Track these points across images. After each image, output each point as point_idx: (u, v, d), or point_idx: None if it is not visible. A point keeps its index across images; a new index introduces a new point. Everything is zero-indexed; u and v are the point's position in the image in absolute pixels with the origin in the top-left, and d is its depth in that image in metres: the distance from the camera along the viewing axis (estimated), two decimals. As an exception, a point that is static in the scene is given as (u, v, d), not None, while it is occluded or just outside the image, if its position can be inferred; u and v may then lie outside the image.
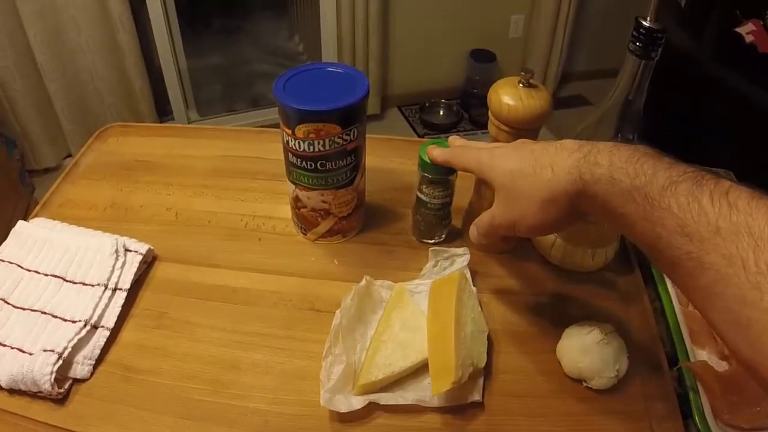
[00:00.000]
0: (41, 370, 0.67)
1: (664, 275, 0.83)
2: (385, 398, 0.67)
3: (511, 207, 0.63)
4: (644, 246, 0.52)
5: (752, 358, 0.41)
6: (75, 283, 0.78)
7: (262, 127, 1.14)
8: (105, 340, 0.74)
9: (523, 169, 0.61)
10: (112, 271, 0.79)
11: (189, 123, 3.08)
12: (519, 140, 0.68)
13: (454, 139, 0.78)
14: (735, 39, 1.31)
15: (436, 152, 0.76)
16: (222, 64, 3.69)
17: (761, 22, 1.26)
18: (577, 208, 0.58)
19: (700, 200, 0.45)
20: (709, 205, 0.45)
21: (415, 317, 0.74)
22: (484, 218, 0.68)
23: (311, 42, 3.34)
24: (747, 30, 1.28)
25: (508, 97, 0.73)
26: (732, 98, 1.37)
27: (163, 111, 3.06)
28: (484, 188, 0.82)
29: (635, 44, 0.63)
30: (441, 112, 3.49)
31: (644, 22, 0.62)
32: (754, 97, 1.30)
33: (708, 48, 1.46)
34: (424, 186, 0.82)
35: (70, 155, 2.88)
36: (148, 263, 0.85)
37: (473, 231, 0.71)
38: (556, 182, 0.57)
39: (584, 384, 0.70)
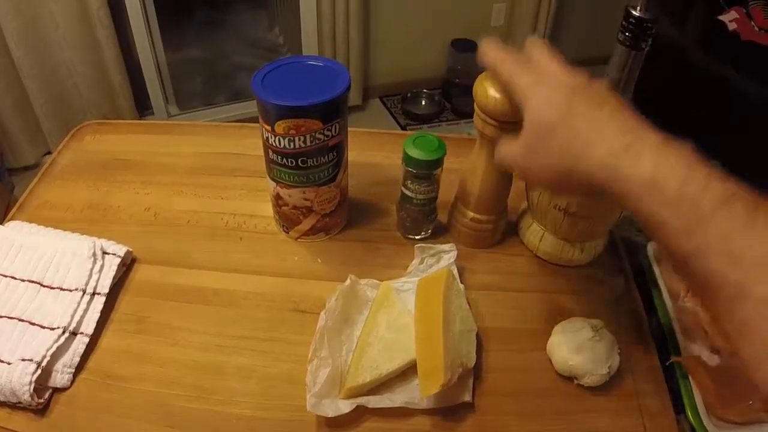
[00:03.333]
0: (20, 381, 0.65)
1: (668, 276, 0.81)
2: (374, 401, 0.66)
3: (530, 157, 0.58)
4: (674, 256, 0.47)
5: None
6: (52, 288, 0.76)
7: (243, 119, 1.12)
8: (84, 347, 0.72)
9: (558, 130, 0.54)
10: (90, 275, 0.77)
11: (169, 117, 3.05)
12: (573, 81, 0.57)
13: (490, 43, 0.64)
14: (718, 27, 1.31)
15: (491, 52, 0.64)
16: (202, 57, 3.66)
17: (744, 10, 1.26)
18: (594, 188, 0.52)
19: (755, 224, 0.42)
20: (766, 231, 0.41)
21: (402, 317, 0.73)
22: (513, 149, 0.60)
23: (291, 33, 3.31)
24: (730, 18, 1.28)
25: (494, 89, 0.71)
26: (717, 86, 1.37)
27: (143, 105, 3.03)
28: (469, 184, 0.81)
29: (625, 34, 0.62)
30: (423, 103, 3.48)
31: (634, 12, 0.60)
32: (738, 84, 1.30)
33: (692, 36, 1.46)
34: (408, 181, 0.81)
35: (49, 152, 2.84)
36: (126, 266, 0.83)
37: (499, 153, 0.63)
38: (586, 161, 0.52)
39: (576, 381, 0.70)
